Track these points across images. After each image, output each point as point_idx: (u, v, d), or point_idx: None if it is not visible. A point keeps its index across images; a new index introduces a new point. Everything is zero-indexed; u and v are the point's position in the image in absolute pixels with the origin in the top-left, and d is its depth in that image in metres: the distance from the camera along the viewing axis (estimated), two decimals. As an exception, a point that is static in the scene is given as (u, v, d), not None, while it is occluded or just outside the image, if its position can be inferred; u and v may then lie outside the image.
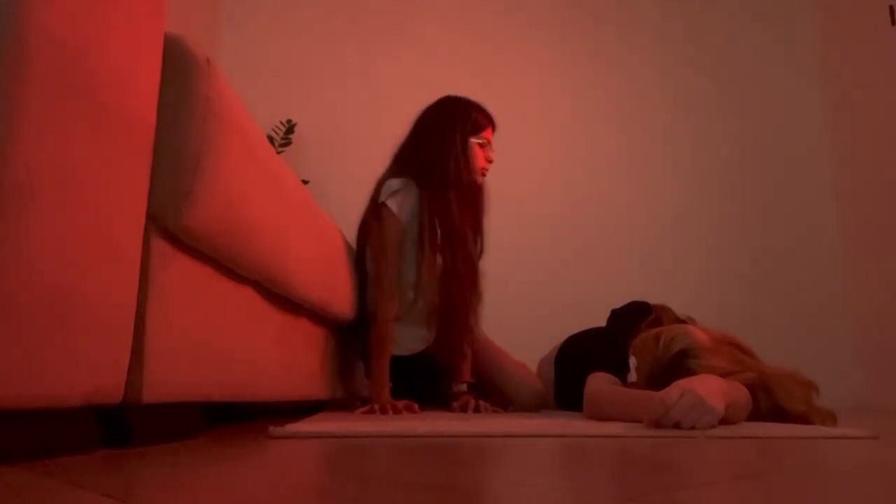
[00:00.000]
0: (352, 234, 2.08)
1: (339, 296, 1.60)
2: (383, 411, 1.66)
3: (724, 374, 1.23)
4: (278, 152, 2.70)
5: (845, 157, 3.32)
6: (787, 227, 3.37)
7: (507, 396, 2.03)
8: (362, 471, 0.60)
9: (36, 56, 0.58)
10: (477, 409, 1.79)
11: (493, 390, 2.11)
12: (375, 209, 1.92)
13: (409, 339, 1.97)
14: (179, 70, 0.83)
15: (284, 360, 1.31)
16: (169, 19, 0.82)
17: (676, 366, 1.28)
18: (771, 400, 1.30)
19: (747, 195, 3.41)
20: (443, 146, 1.97)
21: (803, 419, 1.29)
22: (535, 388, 2.00)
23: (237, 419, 1.43)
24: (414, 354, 1.99)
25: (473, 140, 2.00)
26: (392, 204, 1.88)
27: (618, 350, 1.52)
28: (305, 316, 1.47)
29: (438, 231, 1.90)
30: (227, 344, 1.01)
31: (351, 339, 2.01)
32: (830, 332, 3.20)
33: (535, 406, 1.99)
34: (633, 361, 1.42)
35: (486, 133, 2.04)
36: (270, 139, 3.00)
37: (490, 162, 2.04)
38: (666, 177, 3.43)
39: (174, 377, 0.84)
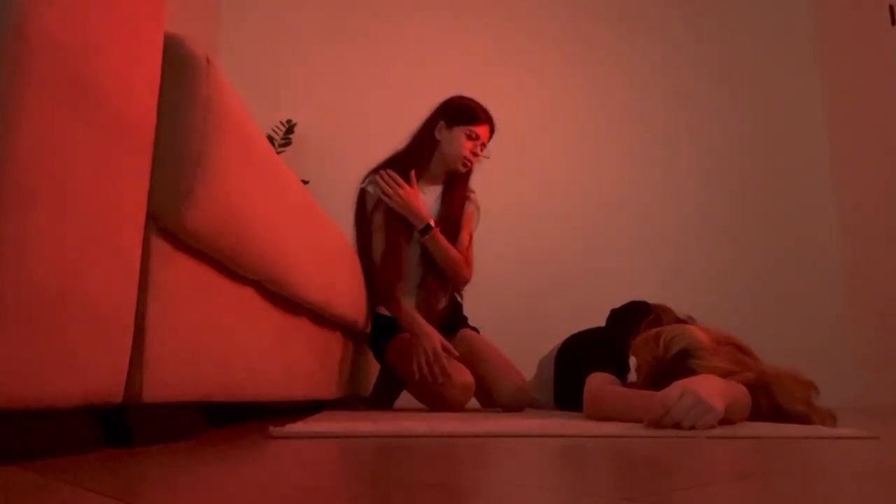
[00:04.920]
0: (351, 234, 2.10)
1: (339, 295, 1.60)
2: (435, 355, 1.87)
3: (725, 374, 1.23)
4: (278, 152, 2.70)
5: (845, 157, 3.32)
6: (786, 226, 3.37)
7: (488, 389, 2.04)
8: (362, 471, 0.60)
9: (36, 56, 0.58)
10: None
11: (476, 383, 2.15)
12: (358, 197, 2.17)
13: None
14: (179, 70, 0.83)
15: (285, 360, 1.31)
16: (169, 19, 0.82)
17: (676, 366, 1.28)
18: (771, 400, 1.30)
19: (747, 195, 3.41)
20: (416, 134, 2.19)
21: (803, 419, 1.29)
22: (516, 383, 2.01)
23: (237, 419, 1.42)
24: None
25: (460, 129, 2.12)
26: (369, 187, 2.12)
27: (618, 350, 1.52)
28: (305, 316, 1.47)
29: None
30: (227, 344, 1.01)
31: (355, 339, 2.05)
32: (830, 332, 3.20)
33: (517, 402, 1.99)
34: (633, 361, 1.42)
35: (477, 128, 2.14)
36: (270, 139, 3.00)
37: (475, 155, 2.15)
38: (665, 177, 3.43)
39: (174, 377, 0.84)
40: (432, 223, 2.09)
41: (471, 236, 2.26)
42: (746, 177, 3.42)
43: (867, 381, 3.06)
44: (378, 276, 2.04)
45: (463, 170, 2.15)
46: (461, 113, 2.15)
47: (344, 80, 3.40)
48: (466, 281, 2.22)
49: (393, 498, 0.45)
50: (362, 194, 2.16)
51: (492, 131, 2.19)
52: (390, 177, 2.07)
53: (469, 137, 2.12)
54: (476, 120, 2.14)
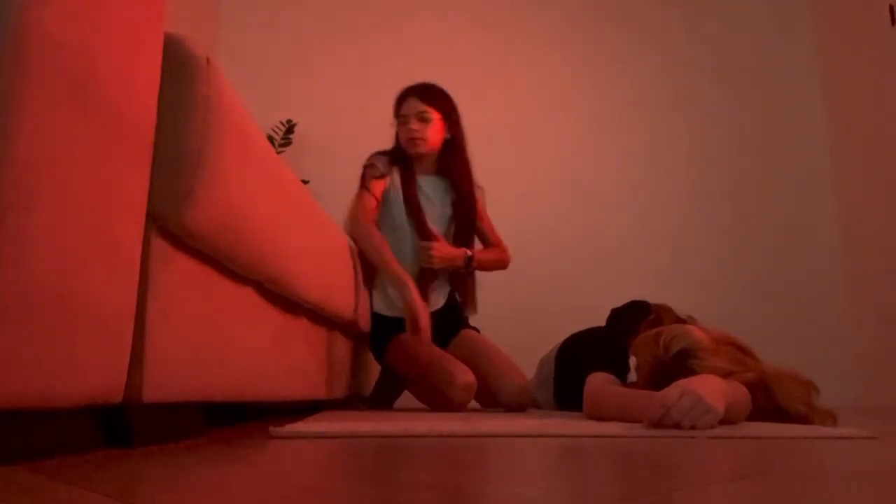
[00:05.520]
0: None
1: (339, 295, 1.60)
2: (425, 326, 1.92)
3: (725, 375, 1.23)
4: (278, 152, 2.70)
5: (845, 157, 3.32)
6: (787, 227, 3.37)
7: (489, 390, 2.04)
8: (362, 471, 0.60)
9: (36, 56, 0.58)
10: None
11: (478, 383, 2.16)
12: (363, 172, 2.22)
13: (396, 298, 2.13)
14: (179, 70, 0.83)
15: (284, 359, 1.31)
16: (169, 19, 0.82)
17: (677, 366, 1.28)
18: (771, 400, 1.30)
19: (747, 195, 3.41)
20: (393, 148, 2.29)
21: (803, 419, 1.29)
22: (518, 383, 2.03)
23: (237, 419, 1.43)
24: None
25: (396, 121, 2.26)
26: (374, 160, 2.21)
27: (618, 350, 1.52)
28: (305, 316, 1.47)
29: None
30: (227, 344, 1.01)
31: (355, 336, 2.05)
32: (830, 332, 3.20)
33: (520, 402, 2.00)
34: (633, 361, 1.42)
35: (402, 110, 2.24)
36: (270, 139, 3.00)
37: (413, 129, 2.21)
38: (666, 177, 3.43)
39: (174, 377, 0.84)
40: (470, 252, 2.20)
41: (488, 218, 2.37)
42: (746, 177, 3.42)
43: (867, 381, 3.06)
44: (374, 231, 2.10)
45: (414, 150, 2.20)
46: (394, 109, 2.26)
47: (344, 80, 3.40)
48: (509, 261, 2.38)
49: (393, 498, 0.45)
50: (365, 170, 2.22)
51: (419, 96, 2.22)
52: (422, 248, 2.14)
53: (402, 123, 2.22)
54: (399, 104, 2.24)
